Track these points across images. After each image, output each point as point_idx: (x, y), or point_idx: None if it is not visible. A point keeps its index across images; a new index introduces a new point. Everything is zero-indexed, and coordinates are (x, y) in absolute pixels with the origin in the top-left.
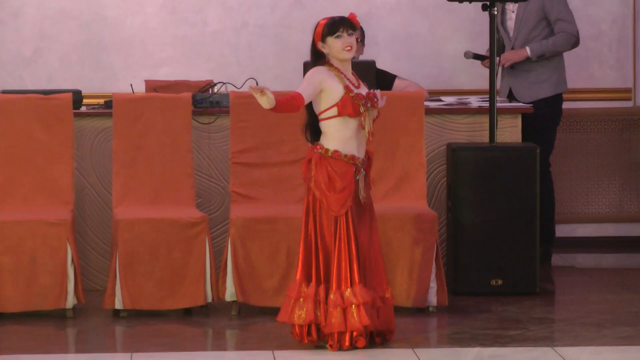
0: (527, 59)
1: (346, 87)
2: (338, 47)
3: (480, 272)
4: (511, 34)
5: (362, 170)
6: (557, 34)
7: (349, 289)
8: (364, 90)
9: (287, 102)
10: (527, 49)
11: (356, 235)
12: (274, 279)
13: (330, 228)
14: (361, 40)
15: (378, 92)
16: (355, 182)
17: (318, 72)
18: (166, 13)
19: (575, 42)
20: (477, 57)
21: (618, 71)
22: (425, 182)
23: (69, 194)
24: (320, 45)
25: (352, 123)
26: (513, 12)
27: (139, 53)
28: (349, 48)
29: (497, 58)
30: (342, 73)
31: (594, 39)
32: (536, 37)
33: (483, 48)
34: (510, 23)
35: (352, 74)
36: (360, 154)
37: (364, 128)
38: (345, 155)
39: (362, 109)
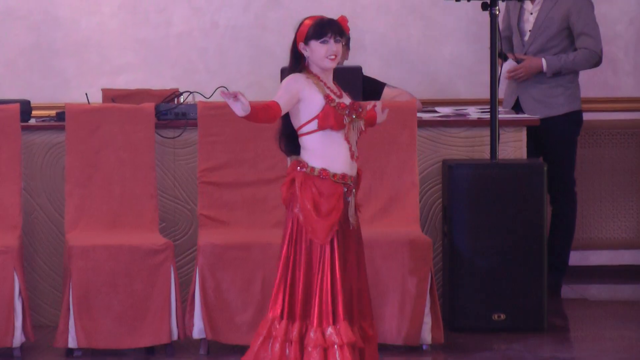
0: (540, 72)
1: (327, 97)
2: (321, 54)
3: (480, 305)
4: (526, 38)
5: (353, 190)
6: (579, 50)
7: (330, 327)
8: (347, 100)
9: (263, 110)
10: (543, 62)
11: (342, 265)
12: (248, 313)
13: (313, 257)
14: (346, 44)
15: (376, 103)
16: (345, 204)
17: (295, 80)
18: (125, 13)
19: (597, 61)
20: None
21: (635, 78)
22: (417, 204)
23: (16, 218)
24: (301, 46)
25: (338, 137)
26: (532, 14)
27: (95, 58)
28: (332, 57)
29: (502, 61)
30: (321, 81)
31: (608, 42)
32: (554, 47)
33: (482, 52)
34: (527, 26)
35: (334, 83)
36: (352, 172)
37: (348, 142)
38: (335, 175)
39: (345, 120)
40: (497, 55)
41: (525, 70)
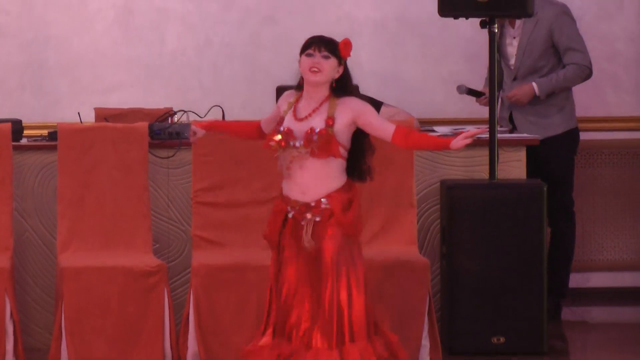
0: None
1: (283, 119)
2: (305, 66)
3: (479, 328)
4: (512, 61)
5: (309, 216)
6: (568, 67)
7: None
8: (308, 124)
9: (239, 124)
10: (535, 86)
11: (278, 287)
12: (243, 335)
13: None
14: (340, 63)
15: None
16: (293, 226)
17: (283, 97)
18: (118, 31)
19: (588, 74)
20: (472, 92)
21: (636, 97)
22: (415, 225)
23: (7, 239)
24: (299, 62)
25: (289, 165)
26: (514, 37)
27: (88, 77)
28: (315, 69)
29: (499, 91)
30: (299, 100)
31: (608, 60)
32: (543, 67)
33: (481, 71)
34: (511, 50)
35: (324, 102)
36: (302, 197)
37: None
38: (282, 194)
39: (274, 144)
40: (495, 75)
41: (518, 98)
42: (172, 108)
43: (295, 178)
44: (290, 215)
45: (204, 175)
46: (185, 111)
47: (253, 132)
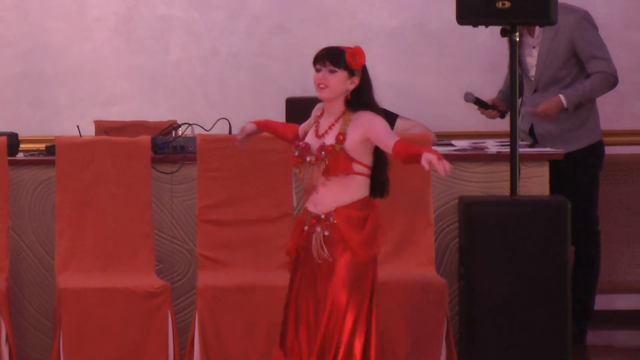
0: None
1: (305, 133)
2: (314, 82)
3: (500, 352)
4: (532, 72)
5: (318, 229)
6: (594, 75)
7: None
8: (323, 140)
9: (283, 124)
10: (562, 98)
11: (302, 300)
12: None
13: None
14: (351, 75)
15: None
16: (307, 238)
17: (316, 107)
18: (120, 39)
19: (614, 82)
20: (479, 102)
21: None
22: (432, 244)
23: (3, 259)
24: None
25: (306, 176)
26: (534, 47)
27: (88, 88)
28: (322, 86)
29: (520, 99)
30: (322, 115)
31: (635, 70)
32: (565, 77)
33: (502, 81)
34: (531, 60)
35: (340, 117)
36: (315, 209)
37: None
38: (302, 208)
39: (296, 162)
40: (517, 85)
41: (548, 113)
42: (176, 121)
43: (312, 189)
44: (305, 229)
45: (210, 191)
46: (189, 124)
47: (292, 135)
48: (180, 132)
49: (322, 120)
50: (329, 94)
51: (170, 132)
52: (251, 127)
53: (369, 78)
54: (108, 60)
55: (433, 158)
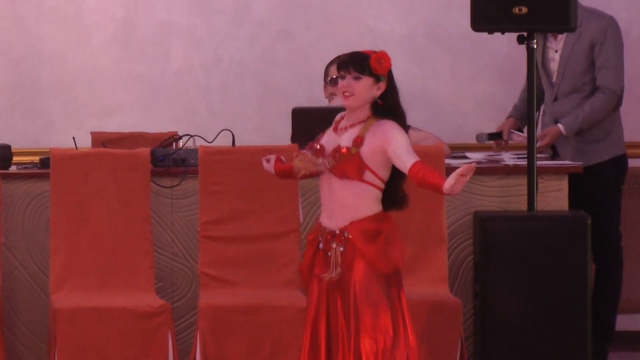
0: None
1: (321, 136)
2: (339, 89)
3: None
4: (553, 78)
5: (334, 245)
6: (595, 97)
7: None
8: (339, 140)
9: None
10: (561, 126)
11: (322, 319)
12: None
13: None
14: (376, 81)
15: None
16: (322, 256)
17: (337, 116)
18: (118, 46)
19: (616, 103)
20: (493, 137)
21: None
22: (446, 261)
23: None
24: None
25: (323, 180)
26: (556, 51)
27: (84, 97)
28: (347, 94)
29: (538, 112)
30: (342, 118)
31: None
32: (584, 86)
33: (518, 90)
34: (553, 65)
35: (362, 121)
36: (332, 224)
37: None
38: (316, 221)
39: (296, 160)
40: (534, 96)
41: (545, 143)
42: (177, 132)
43: (325, 201)
44: (320, 246)
45: (212, 206)
46: (191, 135)
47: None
48: (181, 143)
49: (342, 122)
50: (355, 102)
51: (170, 144)
52: (269, 168)
53: (395, 86)
54: (106, 68)
55: (455, 187)
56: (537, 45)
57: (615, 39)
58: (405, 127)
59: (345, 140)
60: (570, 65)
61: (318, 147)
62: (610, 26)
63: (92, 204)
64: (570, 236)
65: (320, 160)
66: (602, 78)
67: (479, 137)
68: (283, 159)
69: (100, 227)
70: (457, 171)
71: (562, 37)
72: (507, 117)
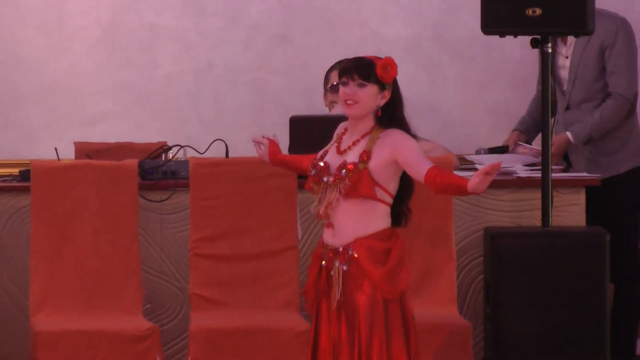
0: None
1: (324, 152)
2: (340, 97)
3: None
4: (565, 86)
5: (337, 264)
6: (605, 103)
7: None
8: (344, 159)
9: (299, 159)
10: (569, 134)
11: (319, 346)
12: None
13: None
14: (381, 89)
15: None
16: (324, 276)
17: (339, 126)
18: (102, 52)
19: (629, 110)
20: (495, 151)
21: None
22: (454, 281)
23: None
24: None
25: (324, 196)
26: (567, 57)
27: (66, 106)
28: (350, 102)
29: (553, 118)
30: (346, 132)
31: None
32: (596, 94)
33: (528, 97)
34: (564, 73)
35: (367, 134)
36: (332, 242)
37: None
38: (320, 239)
39: (311, 183)
40: (549, 102)
41: (555, 151)
42: (166, 142)
43: (325, 217)
44: (323, 264)
45: (204, 222)
46: (181, 146)
47: (308, 163)
48: (171, 155)
49: (345, 137)
50: (359, 110)
51: (159, 155)
52: (265, 144)
53: (400, 94)
54: (90, 75)
55: (480, 186)
56: (553, 48)
57: (627, 42)
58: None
59: (352, 156)
60: (581, 72)
61: (322, 165)
62: (620, 28)
63: (76, 220)
64: (588, 254)
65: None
66: (613, 83)
67: (478, 152)
68: (277, 141)
69: (84, 244)
70: (482, 169)
71: (572, 42)
72: (512, 131)
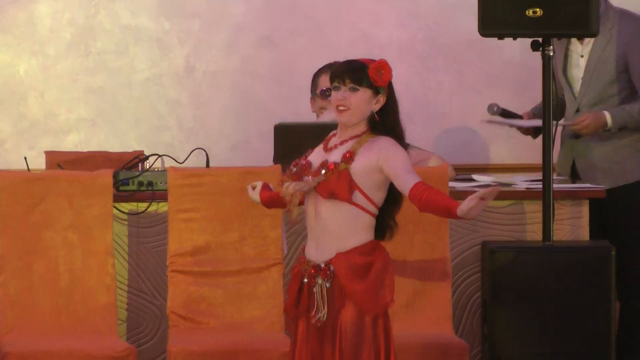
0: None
1: (308, 154)
2: (332, 102)
3: None
4: (577, 87)
5: (319, 281)
6: None
7: None
8: (328, 156)
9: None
10: (607, 115)
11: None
12: None
13: None
14: (375, 94)
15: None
16: (305, 294)
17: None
18: (75, 55)
19: None
20: (506, 114)
21: None
22: (450, 299)
23: None
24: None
25: (308, 204)
26: (582, 56)
27: (37, 113)
28: (341, 108)
29: (556, 122)
30: (333, 135)
31: None
32: (611, 97)
33: (532, 104)
34: (577, 72)
35: (356, 136)
36: (317, 256)
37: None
38: (301, 253)
39: (285, 184)
40: (550, 109)
41: (587, 124)
42: (143, 151)
43: (310, 228)
44: (305, 281)
45: (184, 236)
46: (159, 155)
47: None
48: (148, 165)
49: (333, 138)
50: (350, 117)
51: (136, 165)
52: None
53: (395, 99)
54: (62, 80)
55: (472, 211)
56: (554, 52)
57: None
58: (404, 146)
59: (335, 156)
60: (598, 72)
61: (304, 162)
62: None
63: (46, 234)
64: (592, 270)
65: (306, 179)
66: None
67: (490, 107)
68: (271, 186)
69: (55, 259)
70: (477, 194)
71: (589, 41)
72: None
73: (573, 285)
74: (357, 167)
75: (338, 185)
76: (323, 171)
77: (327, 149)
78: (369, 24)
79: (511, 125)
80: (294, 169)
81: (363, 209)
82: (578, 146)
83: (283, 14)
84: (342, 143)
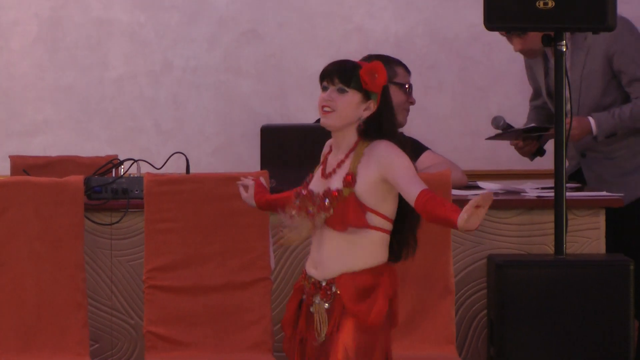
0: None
1: (312, 177)
2: (318, 104)
3: None
4: (567, 107)
5: (317, 300)
6: (635, 101)
7: None
8: (329, 184)
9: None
10: (592, 122)
11: None
12: None
13: None
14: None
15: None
16: (304, 312)
17: (326, 144)
18: (43, 50)
19: None
20: (510, 129)
21: None
22: (453, 317)
23: None
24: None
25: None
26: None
27: (0, 113)
28: (326, 109)
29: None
30: (330, 151)
31: None
32: (611, 105)
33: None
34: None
35: (351, 150)
36: (317, 274)
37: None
38: (302, 270)
39: (293, 211)
40: (564, 110)
41: (574, 128)
42: (117, 156)
43: (313, 250)
44: (303, 297)
45: (161, 248)
46: (135, 160)
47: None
48: (122, 170)
49: (330, 157)
50: (334, 120)
51: (109, 171)
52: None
53: (391, 104)
54: (27, 77)
55: (471, 222)
56: (536, 68)
57: (635, 42)
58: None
59: (336, 182)
60: (586, 87)
61: (305, 192)
62: (625, 29)
63: (12, 246)
64: (609, 285)
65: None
66: (638, 91)
67: (495, 120)
68: (264, 182)
69: (21, 273)
70: (471, 202)
71: (567, 55)
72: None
73: (588, 303)
74: (362, 187)
75: (349, 213)
76: (327, 201)
77: (325, 176)
78: (363, 16)
79: (511, 143)
80: (297, 201)
81: (374, 227)
82: (584, 159)
83: (269, 5)
84: (339, 165)
